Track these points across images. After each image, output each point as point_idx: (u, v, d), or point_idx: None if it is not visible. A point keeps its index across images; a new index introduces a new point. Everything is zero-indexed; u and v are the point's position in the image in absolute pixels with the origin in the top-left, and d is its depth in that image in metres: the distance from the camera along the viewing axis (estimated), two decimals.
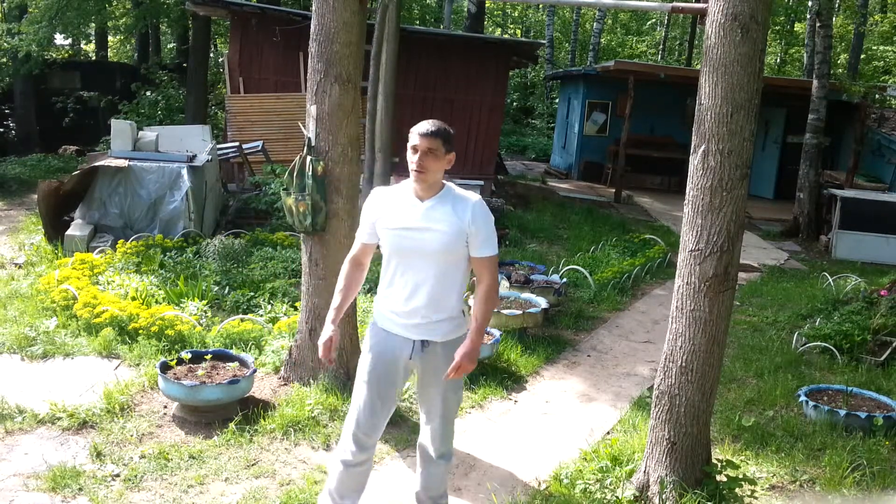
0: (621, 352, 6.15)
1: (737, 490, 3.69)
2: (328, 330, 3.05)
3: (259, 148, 10.69)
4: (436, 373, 3.01)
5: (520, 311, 5.94)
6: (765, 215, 13.42)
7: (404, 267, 2.96)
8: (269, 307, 6.00)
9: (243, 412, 4.25)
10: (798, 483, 3.97)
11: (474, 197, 2.96)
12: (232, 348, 5.06)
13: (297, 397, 4.47)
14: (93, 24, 18.25)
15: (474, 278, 3.06)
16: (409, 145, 2.91)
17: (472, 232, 2.90)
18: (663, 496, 3.57)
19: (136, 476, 3.62)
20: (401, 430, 4.27)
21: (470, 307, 3.07)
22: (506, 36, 29.79)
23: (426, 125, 2.91)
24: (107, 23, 17.96)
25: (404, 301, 2.96)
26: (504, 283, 6.58)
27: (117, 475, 3.63)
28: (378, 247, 3.07)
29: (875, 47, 22.30)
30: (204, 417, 4.21)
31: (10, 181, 11.75)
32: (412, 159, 2.88)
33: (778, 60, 27.78)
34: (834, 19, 15.95)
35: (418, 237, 2.91)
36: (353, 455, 3.05)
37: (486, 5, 19.44)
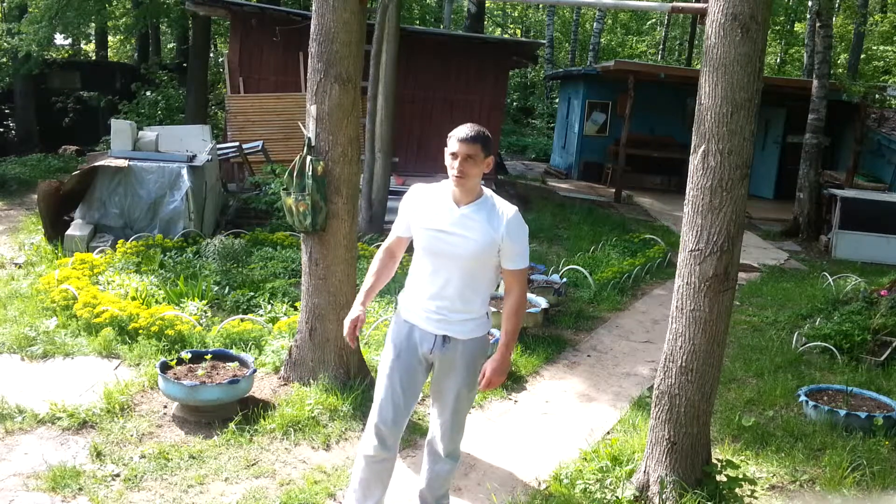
0: (621, 352, 6.15)
1: (737, 490, 3.69)
2: (355, 310, 3.07)
3: (259, 148, 10.70)
4: (453, 369, 3.03)
5: None
6: (765, 215, 13.41)
7: (434, 265, 2.98)
8: (269, 307, 6.00)
9: (243, 412, 4.24)
10: (798, 483, 3.97)
11: (510, 210, 2.96)
12: (232, 348, 5.05)
13: (297, 397, 4.46)
14: (93, 24, 18.27)
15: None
16: (447, 151, 2.89)
17: (505, 245, 2.92)
18: (663, 496, 3.57)
19: (136, 476, 3.62)
20: None
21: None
22: (506, 36, 29.80)
23: (465, 130, 2.88)
24: (107, 23, 17.96)
25: (430, 297, 2.98)
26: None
27: (117, 475, 3.63)
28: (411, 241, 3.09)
29: (875, 47, 22.30)
30: (204, 417, 4.21)
31: (10, 181, 11.74)
32: (452, 165, 2.87)
33: (778, 60, 27.79)
34: (834, 19, 15.95)
35: (450, 241, 2.92)
36: (374, 450, 3.05)
37: (486, 5, 19.46)
